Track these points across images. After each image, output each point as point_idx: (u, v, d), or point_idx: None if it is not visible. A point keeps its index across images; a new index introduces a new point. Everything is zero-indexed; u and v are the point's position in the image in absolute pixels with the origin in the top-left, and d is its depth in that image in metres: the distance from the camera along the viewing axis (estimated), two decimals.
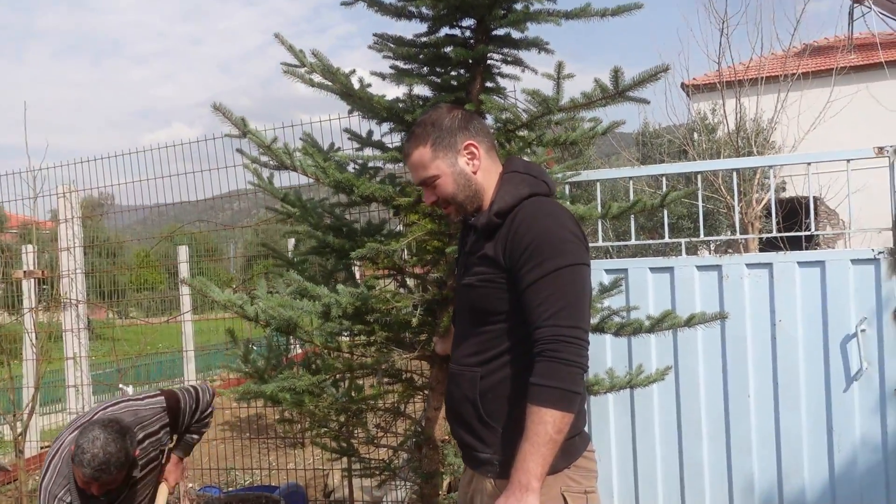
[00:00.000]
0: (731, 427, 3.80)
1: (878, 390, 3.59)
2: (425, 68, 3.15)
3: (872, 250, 3.63)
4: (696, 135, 11.24)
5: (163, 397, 2.95)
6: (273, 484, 5.22)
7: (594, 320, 3.14)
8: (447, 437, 3.12)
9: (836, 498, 3.66)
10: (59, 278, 5.47)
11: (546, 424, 1.76)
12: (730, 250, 10.16)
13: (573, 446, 1.94)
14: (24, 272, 5.94)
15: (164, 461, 3.05)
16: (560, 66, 2.67)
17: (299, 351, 6.60)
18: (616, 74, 2.57)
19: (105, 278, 7.31)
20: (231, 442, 6.44)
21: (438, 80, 3.11)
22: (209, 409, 3.14)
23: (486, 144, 2.06)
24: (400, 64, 3.14)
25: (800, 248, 9.91)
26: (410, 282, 3.36)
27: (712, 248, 10.96)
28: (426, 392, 3.25)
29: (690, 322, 3.07)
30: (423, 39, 3.11)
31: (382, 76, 3.17)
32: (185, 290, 8.15)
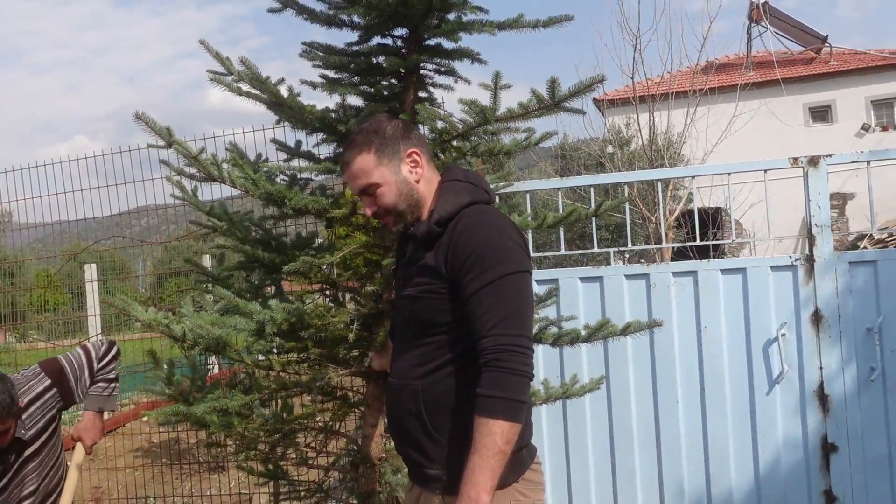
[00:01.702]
0: (661, 433, 3.87)
1: (799, 392, 3.74)
2: (357, 78, 3.09)
3: (790, 257, 3.78)
4: (610, 147, 11.56)
5: (37, 364, 2.86)
6: None
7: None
8: (384, 455, 3.04)
9: (761, 497, 3.78)
10: None
11: (494, 436, 1.72)
12: (642, 260, 10.47)
13: (521, 459, 1.91)
14: None
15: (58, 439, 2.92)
16: (497, 76, 2.67)
17: (216, 370, 6.35)
18: (553, 85, 2.58)
19: (2, 299, 6.88)
20: (145, 469, 6.14)
21: (371, 90, 3.05)
22: (109, 356, 3.00)
23: (427, 154, 2.03)
24: (330, 73, 3.07)
25: (706, 257, 10.28)
26: (342, 296, 3.28)
27: (626, 258, 11.27)
28: (362, 409, 3.17)
29: (626, 331, 3.11)
30: (355, 48, 3.05)
31: (313, 85, 3.10)
32: (91, 311, 7.73)
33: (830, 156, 3.76)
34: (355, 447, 3.11)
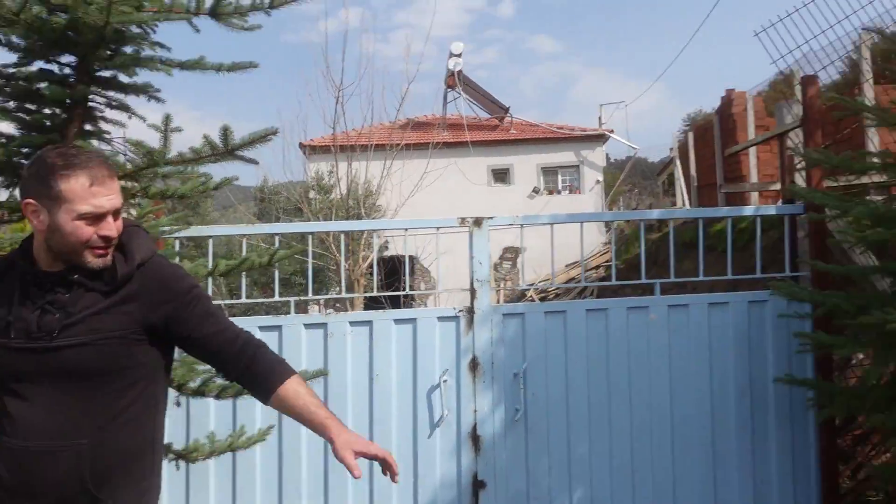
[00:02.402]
0: (329, 482, 3.94)
1: (455, 434, 4.06)
2: (13, 103, 2.81)
3: (454, 308, 4.14)
4: (312, 193, 11.74)
5: None
6: None
7: (195, 383, 3.03)
8: None
9: None
10: None
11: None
12: (337, 304, 10.70)
13: None
14: None
15: None
16: (167, 118, 2.60)
17: None
18: (225, 133, 2.58)
19: None
20: None
21: (28, 118, 2.78)
22: None
23: None
24: None
25: (398, 305, 10.82)
26: None
27: (322, 305, 11.45)
28: None
29: None
30: (12, 71, 2.77)
31: None
32: None
33: (492, 218, 4.21)
34: None
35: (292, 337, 3.95)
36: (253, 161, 2.76)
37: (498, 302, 16.03)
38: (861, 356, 4.70)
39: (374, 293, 4.36)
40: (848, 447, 4.85)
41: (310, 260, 4.22)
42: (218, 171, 3.12)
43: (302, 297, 4.18)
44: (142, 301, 1.87)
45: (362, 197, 10.78)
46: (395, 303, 11.55)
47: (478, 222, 4.22)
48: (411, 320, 4.11)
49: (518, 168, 19.77)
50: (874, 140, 6.72)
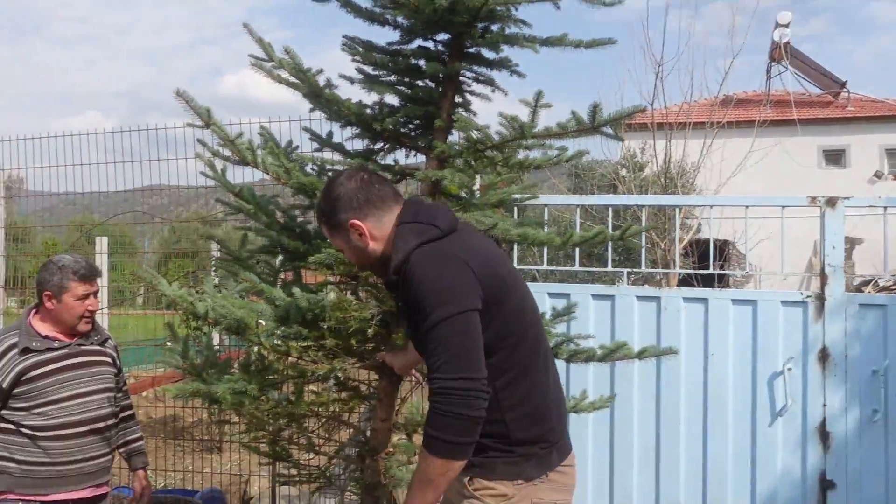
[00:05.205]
0: (661, 455, 3.91)
1: (801, 427, 3.78)
2: (394, 77, 3.14)
3: (801, 293, 3.83)
4: (624, 171, 11.64)
5: None
6: (188, 487, 5.03)
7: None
8: (392, 449, 3.09)
9: None
10: None
11: (429, 468, 1.88)
12: (645, 285, 10.50)
13: (547, 458, 2.00)
14: None
15: None
16: (539, 94, 2.71)
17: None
18: (594, 109, 2.65)
19: (9, 264, 6.97)
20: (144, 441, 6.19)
21: (408, 91, 3.10)
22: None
23: (375, 215, 2.06)
24: (368, 70, 3.12)
25: (711, 287, 10.29)
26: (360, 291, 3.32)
27: (631, 280, 11.33)
28: (372, 402, 3.21)
29: (642, 355, 3.14)
30: (395, 48, 3.11)
31: (351, 80, 3.15)
32: (102, 283, 7.78)
33: (848, 198, 3.81)
34: (363, 438, 3.15)
35: (625, 307, 3.97)
36: (618, 137, 2.80)
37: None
38: None
39: (709, 271, 4.18)
40: None
41: (643, 236, 4.19)
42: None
43: (636, 270, 4.18)
44: (403, 301, 2.01)
45: (677, 175, 10.42)
46: (707, 286, 11.04)
47: (832, 202, 3.85)
48: (751, 302, 3.89)
49: (855, 149, 17.54)
50: None
